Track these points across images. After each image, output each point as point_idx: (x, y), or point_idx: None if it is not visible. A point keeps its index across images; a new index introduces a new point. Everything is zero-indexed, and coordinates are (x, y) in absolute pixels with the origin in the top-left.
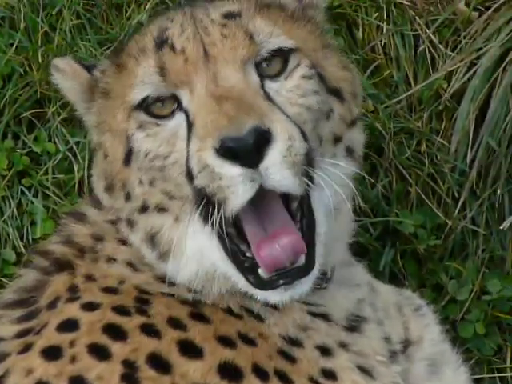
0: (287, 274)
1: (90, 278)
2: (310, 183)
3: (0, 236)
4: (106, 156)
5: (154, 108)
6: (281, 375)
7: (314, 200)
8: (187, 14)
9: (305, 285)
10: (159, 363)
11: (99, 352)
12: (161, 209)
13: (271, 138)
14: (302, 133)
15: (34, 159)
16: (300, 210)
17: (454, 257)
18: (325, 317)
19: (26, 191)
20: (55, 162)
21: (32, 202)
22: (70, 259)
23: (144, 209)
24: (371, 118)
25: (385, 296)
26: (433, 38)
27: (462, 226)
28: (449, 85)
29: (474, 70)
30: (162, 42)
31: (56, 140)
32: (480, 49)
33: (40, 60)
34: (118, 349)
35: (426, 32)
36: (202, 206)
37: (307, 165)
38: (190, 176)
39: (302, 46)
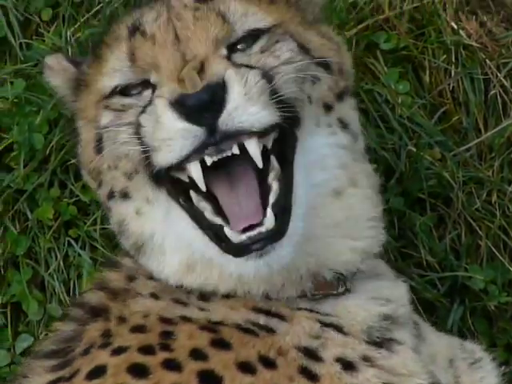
0: (257, 237)
1: (121, 319)
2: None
3: (46, 290)
4: (83, 144)
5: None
6: None
7: (296, 159)
8: (164, 2)
9: (280, 250)
10: None
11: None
12: (124, 194)
13: (227, 87)
14: (267, 76)
15: (81, 209)
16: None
17: None
18: (337, 328)
19: (72, 243)
20: (104, 212)
21: (79, 254)
22: (104, 304)
23: (111, 195)
24: (439, 166)
25: (436, 347)
26: (504, 81)
27: None
28: None
29: None
30: (134, 29)
31: None
32: None
33: None
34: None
35: (496, 76)
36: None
37: (283, 101)
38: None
39: (281, 22)
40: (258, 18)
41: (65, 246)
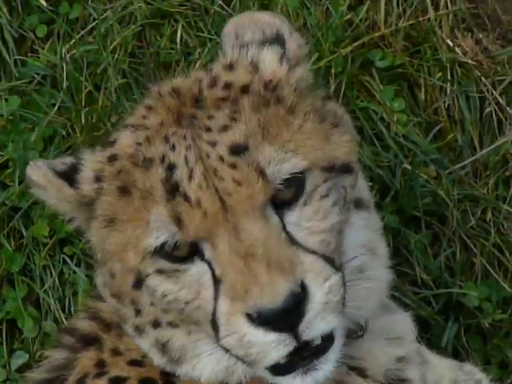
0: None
1: (116, 352)
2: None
3: (41, 307)
4: (114, 276)
5: (171, 251)
6: None
7: None
8: (188, 138)
9: (325, 365)
10: None
11: None
12: (175, 325)
13: (307, 294)
14: (329, 259)
15: None
16: None
17: None
18: (360, 371)
19: (68, 260)
20: None
21: (74, 272)
22: (96, 333)
23: (156, 324)
24: (434, 184)
25: (439, 370)
26: (500, 99)
27: None
28: None
29: None
30: (172, 189)
31: None
32: None
33: (84, 121)
34: None
35: (492, 93)
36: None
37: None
38: (214, 327)
39: (312, 151)
40: (293, 162)
41: (60, 263)
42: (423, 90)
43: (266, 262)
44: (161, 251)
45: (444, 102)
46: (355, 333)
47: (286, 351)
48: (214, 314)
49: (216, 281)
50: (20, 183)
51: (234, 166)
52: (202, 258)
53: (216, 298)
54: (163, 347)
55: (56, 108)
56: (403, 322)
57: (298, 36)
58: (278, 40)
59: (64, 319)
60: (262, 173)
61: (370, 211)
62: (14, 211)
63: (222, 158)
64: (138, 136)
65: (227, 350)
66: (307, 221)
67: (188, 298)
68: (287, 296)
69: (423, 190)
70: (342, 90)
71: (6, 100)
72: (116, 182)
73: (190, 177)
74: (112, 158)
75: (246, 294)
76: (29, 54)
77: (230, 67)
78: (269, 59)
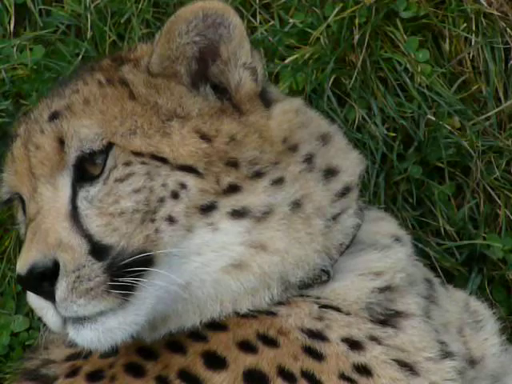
0: None
1: None
2: (126, 294)
3: None
4: None
5: None
6: (309, 376)
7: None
8: (46, 100)
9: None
10: (189, 377)
11: (134, 370)
12: None
13: (58, 270)
14: (102, 247)
15: None
16: None
17: None
18: (335, 308)
19: None
20: None
21: None
22: None
23: None
24: (458, 135)
25: (449, 316)
26: None
27: None
28: None
29: None
30: (12, 142)
31: None
32: None
33: None
34: (150, 367)
35: None
36: None
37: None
38: None
39: (128, 136)
40: (92, 139)
41: None
42: (447, 40)
43: (35, 229)
44: None
45: (468, 53)
46: (320, 278)
47: (56, 320)
48: None
49: None
50: None
51: (42, 131)
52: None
53: None
54: None
55: (80, 58)
56: (382, 258)
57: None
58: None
59: None
60: (60, 142)
61: (263, 220)
62: None
63: (40, 123)
64: None
65: None
66: (99, 201)
67: None
68: (32, 265)
69: (447, 141)
70: (366, 41)
71: (31, 50)
72: None
73: (20, 135)
74: None
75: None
76: (53, 4)
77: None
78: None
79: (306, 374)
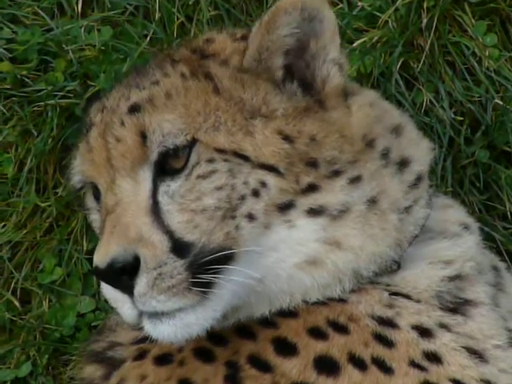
0: None
1: None
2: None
3: None
4: None
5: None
6: (379, 363)
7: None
8: (122, 88)
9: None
10: (259, 363)
11: (204, 356)
12: None
13: (139, 266)
14: (184, 244)
15: None
16: None
17: None
18: (404, 296)
19: None
20: None
21: None
22: None
23: None
24: None
25: None
26: None
27: None
28: None
29: None
30: (87, 130)
31: None
32: None
33: None
34: (220, 352)
35: None
36: None
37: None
38: None
39: (214, 133)
40: (176, 135)
41: None
42: None
43: (115, 223)
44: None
45: None
46: (390, 268)
47: (132, 313)
48: None
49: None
50: None
51: (122, 124)
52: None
53: None
54: None
55: (148, 39)
56: (452, 246)
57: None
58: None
59: None
60: (142, 136)
61: (336, 220)
62: None
63: (120, 114)
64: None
65: None
66: (181, 196)
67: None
68: (112, 259)
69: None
70: (434, 25)
71: (99, 30)
72: None
73: (96, 125)
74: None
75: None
76: None
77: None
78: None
79: (376, 361)
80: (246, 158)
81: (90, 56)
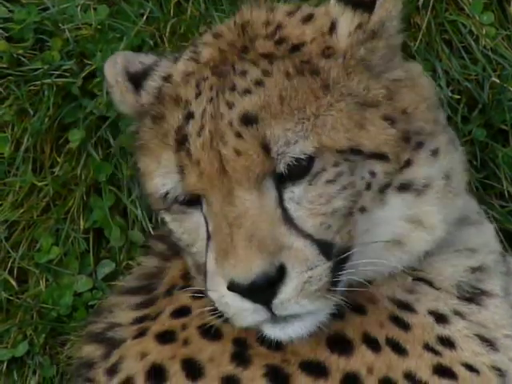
0: None
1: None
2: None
3: (128, 217)
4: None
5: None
6: (393, 344)
7: None
8: (213, 90)
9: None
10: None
11: (210, 333)
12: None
13: (284, 274)
14: (325, 244)
15: None
16: None
17: None
18: (427, 282)
19: None
20: None
21: None
22: None
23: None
24: None
25: None
26: None
27: None
28: None
29: None
30: (182, 141)
31: None
32: None
33: (172, 32)
34: (228, 329)
35: None
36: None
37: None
38: (205, 275)
39: (331, 133)
40: (302, 144)
41: None
42: None
43: (249, 236)
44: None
45: None
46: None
47: (260, 319)
48: (205, 264)
49: (208, 236)
50: (108, 93)
51: (239, 135)
52: (201, 209)
53: (207, 251)
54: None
55: (144, 18)
56: (478, 234)
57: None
58: (365, 4)
59: (151, 229)
60: (265, 148)
61: (422, 193)
62: (101, 121)
63: (231, 124)
64: (187, 66)
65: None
66: (309, 202)
67: (188, 242)
68: (258, 275)
69: (511, 104)
70: (431, 3)
71: (95, 9)
72: (155, 107)
73: (199, 133)
74: (167, 78)
75: (225, 261)
76: None
77: (307, 19)
78: (344, 25)
79: (390, 342)
80: (360, 152)
81: (86, 35)
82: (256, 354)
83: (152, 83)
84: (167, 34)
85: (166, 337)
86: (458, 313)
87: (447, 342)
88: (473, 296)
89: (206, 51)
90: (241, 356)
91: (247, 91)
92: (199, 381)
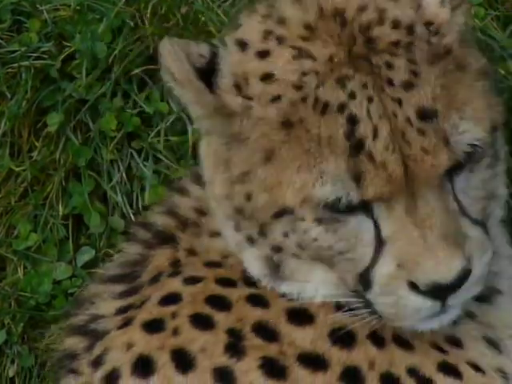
0: None
1: (192, 252)
2: None
3: (108, 202)
4: (250, 198)
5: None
6: (400, 341)
7: None
8: (369, 88)
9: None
10: (266, 331)
11: (202, 322)
12: (299, 256)
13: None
14: (485, 226)
15: (145, 120)
16: None
17: None
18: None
19: (135, 154)
20: (168, 124)
21: (144, 166)
22: (172, 232)
23: (279, 250)
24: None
25: None
26: None
27: None
28: None
29: None
30: (356, 146)
31: (169, 99)
32: None
33: (152, 12)
34: (222, 318)
35: None
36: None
37: None
38: (363, 283)
39: (483, 116)
40: (474, 133)
41: (127, 157)
42: None
43: (443, 235)
44: (330, 204)
45: None
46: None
47: (431, 313)
48: (367, 269)
49: (380, 241)
50: (87, 75)
51: (422, 133)
52: (369, 215)
53: (376, 257)
54: (273, 264)
55: None
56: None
57: None
58: None
59: (132, 215)
60: (447, 142)
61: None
62: (81, 104)
63: (409, 121)
64: (302, 64)
65: (366, 302)
66: (472, 189)
67: (342, 249)
68: (459, 272)
69: (501, 86)
70: None
71: None
72: (274, 111)
73: (375, 135)
74: (266, 77)
75: (417, 265)
76: None
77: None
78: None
79: (397, 339)
80: (496, 129)
81: (65, 16)
82: (251, 346)
83: (226, 80)
84: (148, 15)
85: (153, 326)
86: (469, 314)
87: (455, 342)
88: (487, 294)
89: (319, 44)
90: (235, 347)
91: (409, 84)
92: (190, 372)
